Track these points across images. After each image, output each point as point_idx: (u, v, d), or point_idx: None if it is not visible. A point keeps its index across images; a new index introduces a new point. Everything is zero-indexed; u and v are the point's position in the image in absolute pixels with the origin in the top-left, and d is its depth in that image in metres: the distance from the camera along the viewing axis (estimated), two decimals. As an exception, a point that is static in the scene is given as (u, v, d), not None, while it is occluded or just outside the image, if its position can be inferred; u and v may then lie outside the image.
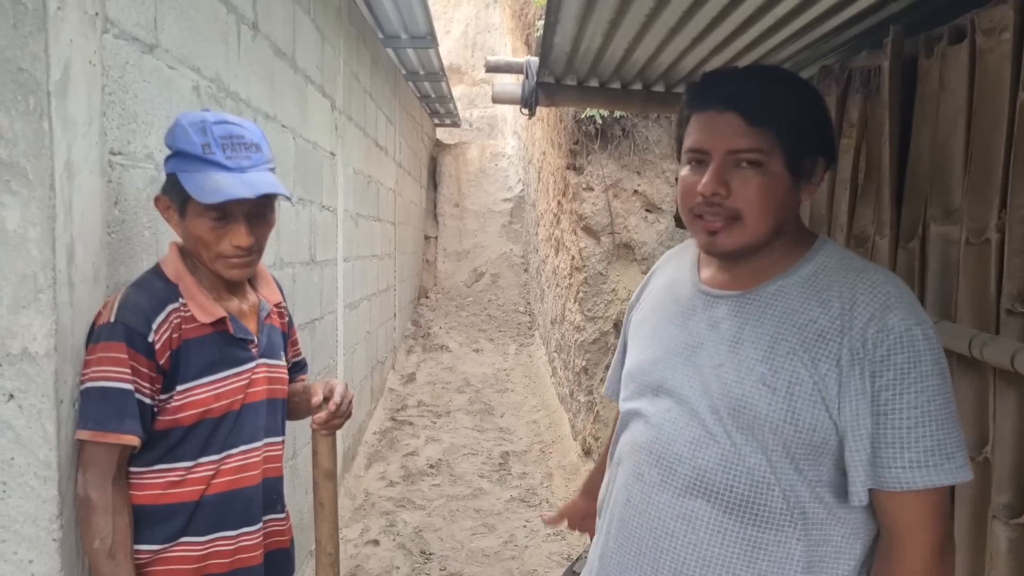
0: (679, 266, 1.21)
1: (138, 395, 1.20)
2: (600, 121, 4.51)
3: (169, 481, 1.26)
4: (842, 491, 0.96)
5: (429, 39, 5.23)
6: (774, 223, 1.01)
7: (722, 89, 1.02)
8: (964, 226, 1.40)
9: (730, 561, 0.99)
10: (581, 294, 4.68)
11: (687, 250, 1.23)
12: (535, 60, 2.79)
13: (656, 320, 1.16)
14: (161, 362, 1.23)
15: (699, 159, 1.03)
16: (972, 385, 1.35)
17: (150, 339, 1.21)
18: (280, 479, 1.45)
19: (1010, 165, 1.27)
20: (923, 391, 0.92)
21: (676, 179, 1.28)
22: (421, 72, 6.42)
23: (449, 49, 11.96)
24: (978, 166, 1.37)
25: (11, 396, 1.14)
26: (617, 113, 4.45)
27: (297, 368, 1.62)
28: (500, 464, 4.48)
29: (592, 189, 4.66)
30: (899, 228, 1.64)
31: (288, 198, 1.31)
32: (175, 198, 1.26)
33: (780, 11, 1.86)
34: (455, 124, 9.83)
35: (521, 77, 3.06)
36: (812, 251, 1.05)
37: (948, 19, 1.55)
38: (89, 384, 1.19)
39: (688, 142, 1.05)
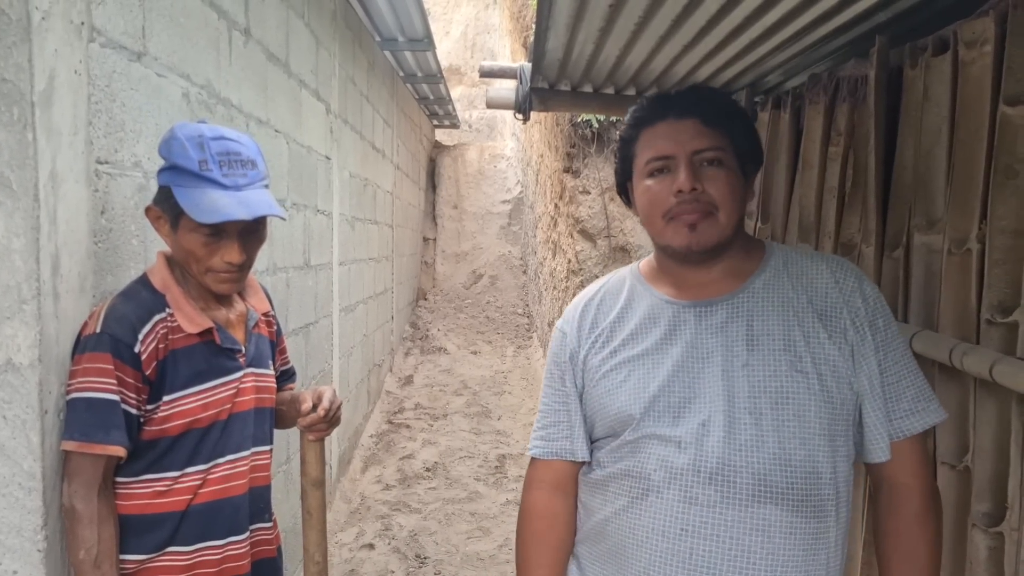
0: (628, 298, 1.15)
1: (124, 405, 1.20)
2: (596, 125, 4.51)
3: (156, 491, 1.27)
4: (854, 460, 1.05)
5: (426, 41, 5.23)
6: (739, 216, 1.08)
7: (678, 100, 1.10)
8: (946, 236, 1.40)
9: (798, 559, 0.99)
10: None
11: (620, 285, 1.18)
12: (528, 65, 2.80)
13: (641, 350, 1.09)
14: (147, 372, 1.23)
15: (663, 167, 1.07)
16: (953, 394, 1.36)
17: (136, 349, 1.22)
18: (267, 488, 1.46)
19: (991, 177, 1.28)
20: (899, 347, 1.05)
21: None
22: (419, 74, 6.43)
23: (448, 50, 11.97)
24: (960, 177, 1.38)
25: (-4, 406, 1.14)
26: (613, 117, 4.46)
27: (285, 377, 1.62)
28: (496, 467, 4.49)
29: (588, 192, 4.67)
30: (884, 237, 1.64)
31: (283, 218, 1.32)
32: (168, 210, 1.26)
33: (769, 20, 1.87)
34: (454, 125, 9.84)
35: (516, 81, 3.07)
36: (768, 248, 1.13)
37: (933, 30, 1.56)
38: (75, 395, 1.19)
39: (648, 153, 1.09)
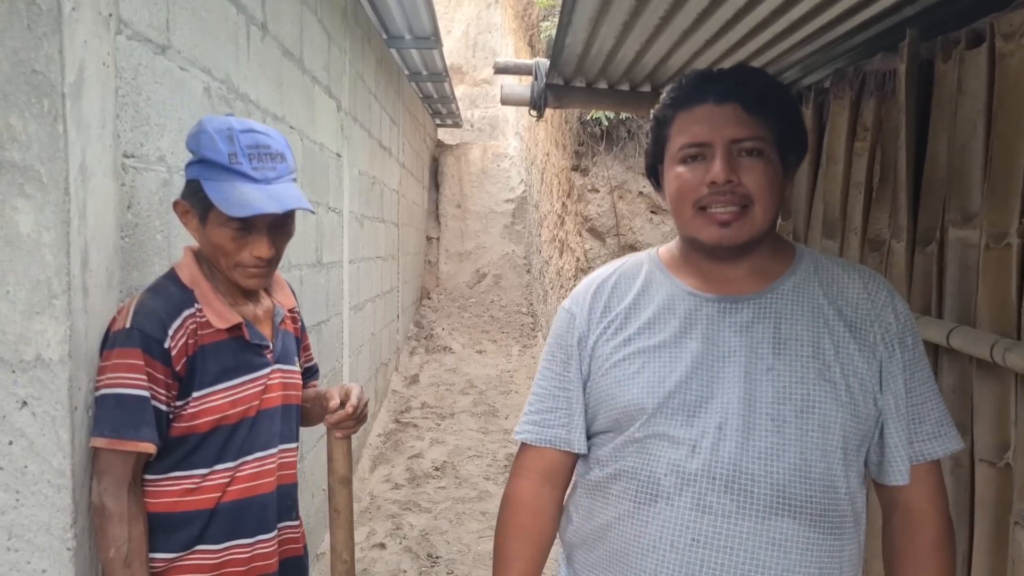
0: (645, 284, 1.09)
1: (154, 402, 1.18)
2: (605, 123, 4.50)
3: (184, 488, 1.25)
4: (865, 478, 1.02)
5: (433, 40, 5.22)
6: (775, 212, 1.01)
7: (719, 82, 1.02)
8: (984, 231, 1.39)
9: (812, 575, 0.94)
10: (586, 296, 4.67)
11: (637, 269, 1.12)
12: (544, 62, 2.78)
13: (658, 341, 1.03)
14: (177, 368, 1.21)
15: (697, 154, 1.00)
16: (993, 390, 1.34)
17: (166, 345, 1.20)
18: (295, 485, 1.44)
19: (1033, 170, 1.26)
20: (925, 368, 1.01)
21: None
22: (424, 72, 6.42)
23: (450, 49, 11.94)
24: (998, 171, 1.36)
25: (24, 403, 1.12)
26: (622, 114, 4.44)
27: (309, 374, 1.61)
28: (505, 466, 4.47)
29: (597, 191, 4.65)
30: (916, 232, 1.63)
31: (312, 211, 1.30)
32: (196, 204, 1.24)
33: (794, 14, 1.85)
34: (457, 124, 9.82)
35: (525, 78, 3.05)
36: (798, 250, 1.08)
37: (965, 23, 1.54)
38: (104, 391, 1.17)
39: (683, 138, 1.01)
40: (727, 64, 2.38)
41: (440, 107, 8.32)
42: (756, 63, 2.35)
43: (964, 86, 1.49)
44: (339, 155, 3.46)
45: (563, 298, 5.60)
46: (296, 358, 1.47)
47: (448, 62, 8.03)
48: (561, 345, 1.12)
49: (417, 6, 4.52)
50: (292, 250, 2.62)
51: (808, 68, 2.36)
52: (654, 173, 1.11)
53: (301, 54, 2.67)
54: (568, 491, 1.15)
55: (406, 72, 6.31)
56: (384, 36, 5.08)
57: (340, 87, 3.45)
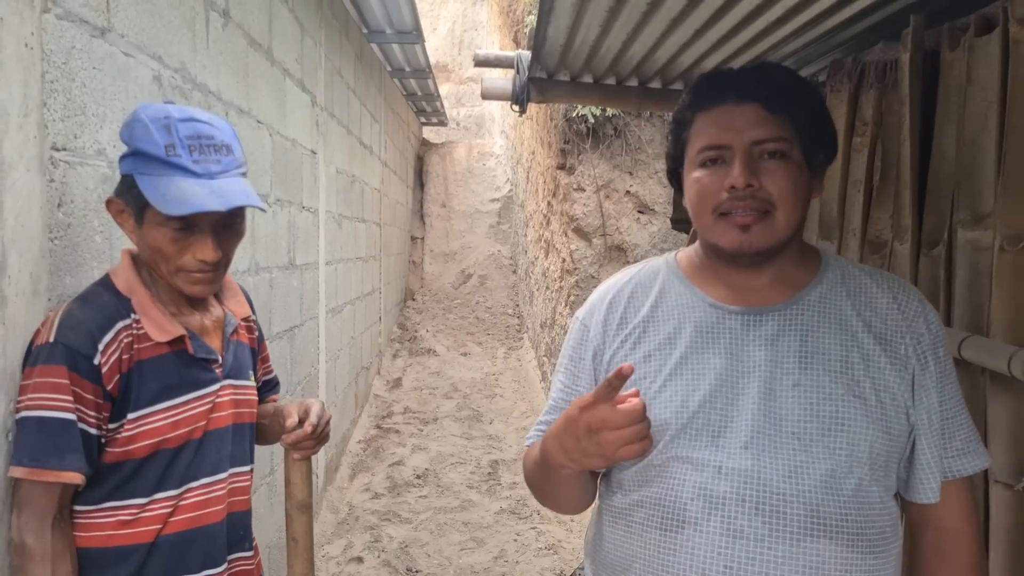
0: (661, 294, 1.04)
1: (82, 425, 1.05)
2: (592, 120, 4.39)
3: (120, 520, 1.12)
4: (897, 496, 0.97)
5: (415, 34, 5.08)
6: (800, 217, 0.97)
7: (738, 81, 0.98)
8: (997, 232, 1.28)
9: None
10: (573, 297, 4.56)
11: (652, 278, 1.06)
12: (527, 54, 2.66)
13: (679, 356, 0.98)
14: (109, 387, 1.08)
15: (717, 156, 0.96)
16: (1009, 406, 1.24)
17: (96, 361, 1.06)
18: (248, 512, 1.31)
19: (1055, 165, 1.16)
20: (954, 380, 0.97)
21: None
22: (407, 69, 6.28)
23: (436, 47, 11.82)
24: (1013, 166, 1.26)
25: (-69, 428, 0.99)
26: (609, 112, 4.34)
27: (268, 387, 1.48)
28: (489, 473, 4.34)
29: (583, 190, 4.54)
30: (920, 233, 1.52)
31: (263, 209, 1.17)
32: (131, 202, 1.11)
33: (789, 1, 1.75)
34: (442, 123, 9.68)
35: (511, 72, 2.93)
36: (824, 257, 1.03)
37: (971, 9, 1.45)
38: (25, 413, 1.04)
39: (702, 141, 0.97)
40: (717, 56, 2.29)
41: (425, 105, 8.18)
42: (747, 55, 2.24)
43: (974, 75, 1.38)
44: (314, 152, 3.32)
45: (550, 300, 5.47)
46: (251, 372, 1.34)
47: (433, 60, 7.89)
48: (573, 358, 1.09)
49: (397, -1, 4.38)
50: (261, 251, 2.48)
51: (803, 60, 2.26)
52: (675, 177, 1.06)
53: (270, 44, 2.53)
54: (593, 512, 1.11)
55: (388, 68, 6.16)
56: (364, 30, 4.94)
57: (315, 81, 3.31)
